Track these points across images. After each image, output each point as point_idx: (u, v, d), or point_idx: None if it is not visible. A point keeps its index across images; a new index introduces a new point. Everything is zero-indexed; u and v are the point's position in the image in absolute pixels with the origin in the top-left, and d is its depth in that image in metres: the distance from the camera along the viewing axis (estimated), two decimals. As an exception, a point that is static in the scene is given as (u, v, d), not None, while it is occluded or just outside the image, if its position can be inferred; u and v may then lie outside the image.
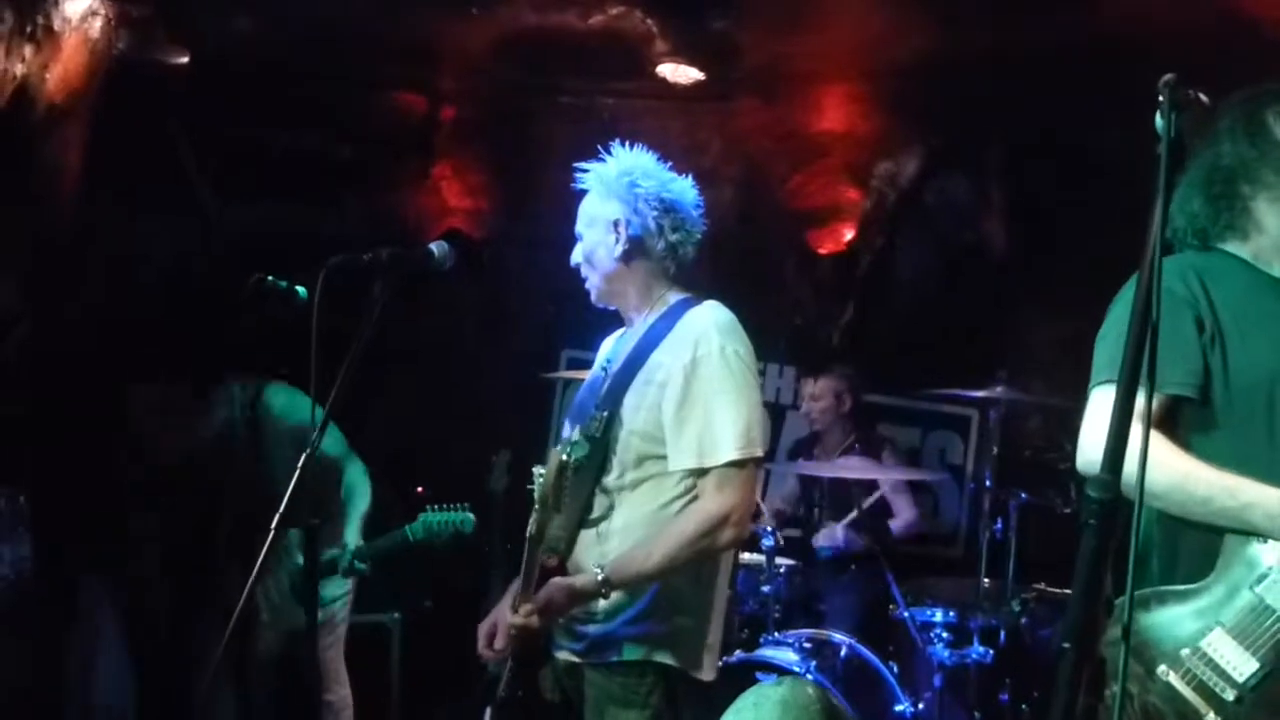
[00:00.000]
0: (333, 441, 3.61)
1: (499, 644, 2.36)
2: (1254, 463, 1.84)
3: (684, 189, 2.44)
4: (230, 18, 4.36)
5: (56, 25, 3.98)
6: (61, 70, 4.08)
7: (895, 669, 3.85)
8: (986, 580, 4.05)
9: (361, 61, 4.73)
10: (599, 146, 2.48)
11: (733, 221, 5.59)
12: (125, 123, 4.33)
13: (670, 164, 2.49)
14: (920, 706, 3.76)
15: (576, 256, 2.46)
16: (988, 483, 4.21)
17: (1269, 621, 1.74)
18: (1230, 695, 1.72)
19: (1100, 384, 1.94)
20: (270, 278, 2.99)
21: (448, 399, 4.19)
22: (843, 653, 3.82)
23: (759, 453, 2.28)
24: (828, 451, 4.68)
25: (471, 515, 3.60)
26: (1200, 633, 1.77)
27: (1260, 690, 1.71)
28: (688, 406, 2.25)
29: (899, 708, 3.72)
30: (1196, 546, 1.85)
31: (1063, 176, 5.27)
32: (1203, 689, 1.74)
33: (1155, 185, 1.37)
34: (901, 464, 4.80)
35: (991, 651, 3.82)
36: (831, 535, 4.39)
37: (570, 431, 2.44)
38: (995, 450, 4.31)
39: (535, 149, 5.30)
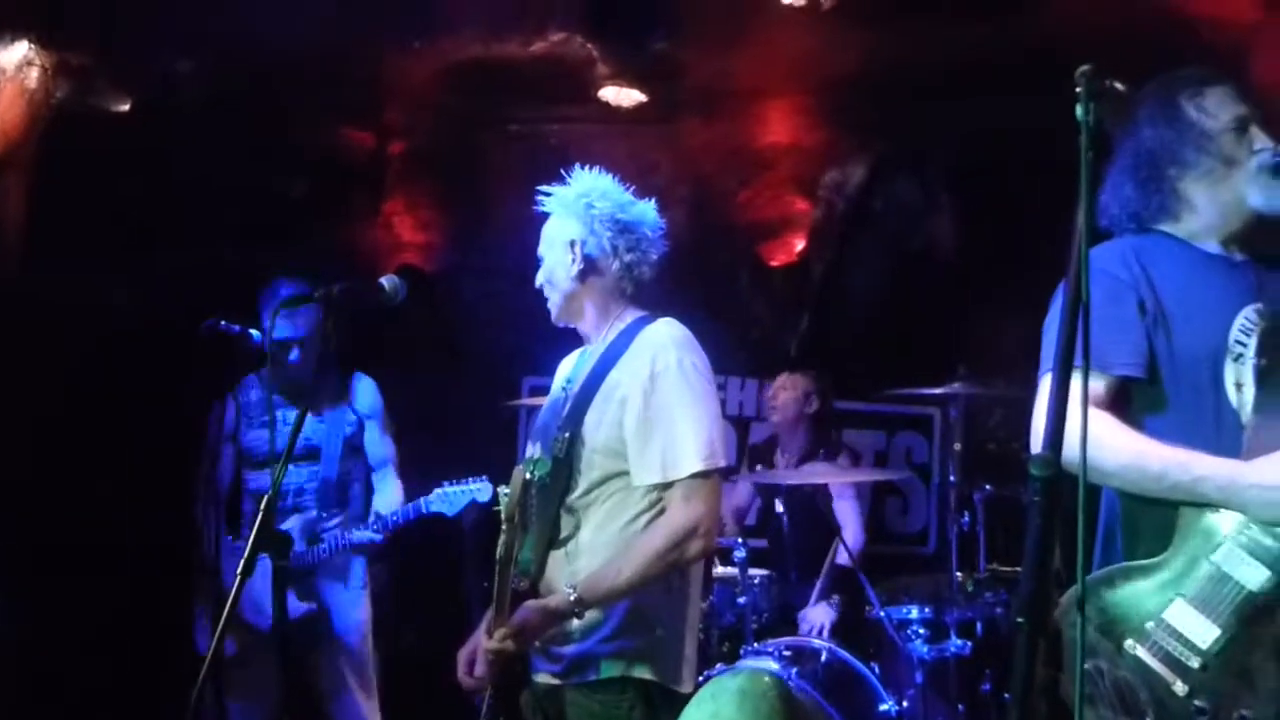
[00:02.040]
0: (381, 444, 3.71)
1: (478, 670, 2.36)
2: (1202, 437, 1.90)
3: (643, 210, 2.48)
4: (172, 60, 4.35)
5: (-10, 76, 3.96)
6: (-2, 121, 4.06)
7: (876, 669, 3.87)
8: (959, 574, 4.09)
9: (307, 98, 4.73)
10: (548, 173, 2.53)
11: (685, 239, 5.61)
12: (69, 171, 4.30)
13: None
14: (904, 704, 3.79)
15: (540, 277, 2.50)
16: (952, 478, 4.27)
17: (1227, 588, 1.79)
18: (1195, 663, 1.76)
19: (1047, 371, 1.99)
20: (223, 322, 3.01)
21: (411, 432, 4.18)
22: (823, 657, 3.84)
23: (722, 463, 2.31)
24: (787, 455, 4.69)
25: (489, 485, 3.52)
26: (1163, 605, 1.81)
27: (1224, 656, 1.76)
28: (649, 422, 2.28)
29: (883, 707, 3.74)
30: (1156, 522, 1.90)
31: (1008, 176, 5.37)
32: (1169, 659, 1.78)
33: (1078, 172, 1.42)
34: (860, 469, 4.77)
35: (969, 644, 3.86)
36: (820, 614, 4.19)
37: (533, 451, 2.46)
38: (958, 446, 4.36)
39: (485, 179, 5.31)
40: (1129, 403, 1.98)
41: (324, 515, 3.58)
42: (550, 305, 2.51)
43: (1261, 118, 2.01)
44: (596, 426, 2.33)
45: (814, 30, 4.53)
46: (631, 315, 2.45)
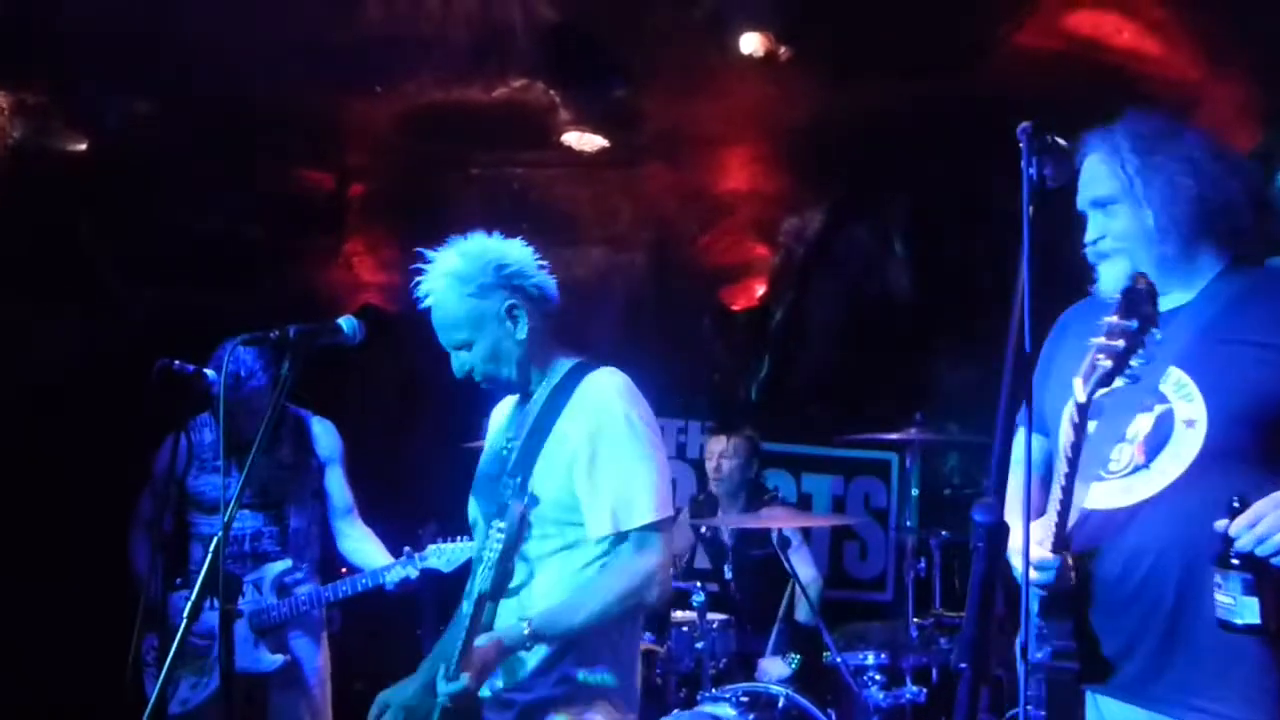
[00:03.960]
0: (345, 489, 3.65)
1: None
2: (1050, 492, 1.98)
3: (523, 250, 2.40)
4: (131, 101, 4.33)
5: (-56, 116, 3.92)
6: (-49, 162, 4.01)
7: (833, 716, 3.86)
8: (915, 620, 4.10)
9: (267, 141, 4.73)
10: (509, 217, 2.50)
11: (646, 283, 5.68)
12: (25, 212, 4.26)
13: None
14: (860, 752, 3.77)
15: (478, 369, 2.37)
16: (909, 523, 4.29)
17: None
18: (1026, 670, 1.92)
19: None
20: (176, 363, 2.96)
21: (371, 472, 4.15)
22: (780, 704, 3.82)
23: (671, 513, 2.33)
24: (727, 514, 4.60)
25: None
26: None
27: (1035, 670, 1.92)
28: (598, 475, 2.28)
29: (839, 755, 3.73)
30: None
31: (961, 222, 5.48)
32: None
33: (1021, 225, 1.45)
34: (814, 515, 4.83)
35: (925, 690, 3.86)
36: (774, 668, 4.11)
37: (476, 504, 2.46)
38: (915, 491, 4.40)
39: (447, 222, 5.28)
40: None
41: (297, 565, 3.52)
42: (495, 384, 2.39)
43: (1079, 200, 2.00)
44: (546, 479, 2.32)
45: (773, 79, 4.62)
46: (568, 362, 2.42)
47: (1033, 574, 1.83)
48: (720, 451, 4.63)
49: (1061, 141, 1.49)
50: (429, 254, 2.38)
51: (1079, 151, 2.00)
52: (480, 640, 2.22)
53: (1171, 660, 1.82)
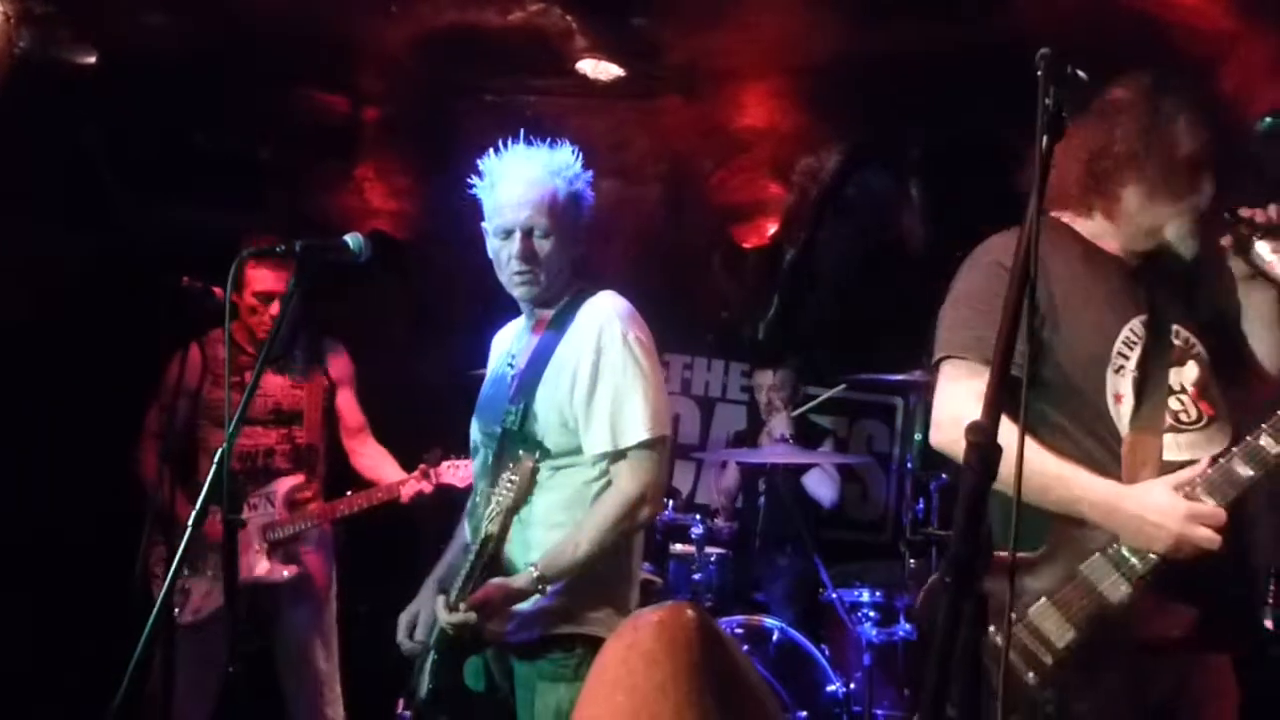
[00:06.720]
0: (357, 410, 3.78)
1: (419, 635, 2.39)
2: (1079, 444, 1.95)
3: None
4: (143, 15, 4.27)
5: (-52, 21, 3.87)
6: (-44, 68, 3.97)
7: (826, 651, 3.93)
8: (912, 561, 4.15)
9: (280, 61, 4.67)
10: (524, 144, 2.51)
11: (658, 217, 5.65)
12: (31, 124, 4.22)
13: (595, 160, 2.52)
14: (852, 686, 3.85)
15: (544, 246, 2.37)
16: (909, 465, 4.32)
17: (1089, 597, 1.88)
18: (1049, 659, 1.88)
19: (949, 358, 2.02)
20: (186, 279, 2.99)
21: (379, 399, 4.18)
22: (775, 637, 3.89)
23: (667, 432, 2.37)
24: (770, 439, 4.81)
25: None
26: (1028, 603, 1.91)
27: (1075, 655, 1.87)
28: (597, 394, 2.32)
29: (831, 688, 3.81)
30: (1027, 518, 1.92)
31: (979, 169, 5.40)
32: (1025, 651, 1.89)
33: (1035, 157, 1.43)
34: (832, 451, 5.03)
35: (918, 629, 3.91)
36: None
37: (478, 425, 2.49)
38: (918, 436, 4.42)
39: (459, 148, 5.25)
40: (1011, 398, 2.00)
41: (308, 481, 3.58)
42: (532, 288, 2.39)
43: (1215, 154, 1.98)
44: (548, 402, 2.36)
45: (793, 15, 4.52)
46: (576, 286, 2.46)
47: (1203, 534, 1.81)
48: (769, 385, 4.91)
49: (1081, 73, 1.46)
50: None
51: None
52: (493, 581, 2.27)
53: None
